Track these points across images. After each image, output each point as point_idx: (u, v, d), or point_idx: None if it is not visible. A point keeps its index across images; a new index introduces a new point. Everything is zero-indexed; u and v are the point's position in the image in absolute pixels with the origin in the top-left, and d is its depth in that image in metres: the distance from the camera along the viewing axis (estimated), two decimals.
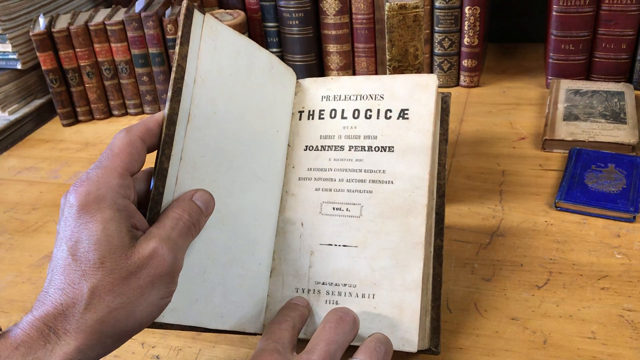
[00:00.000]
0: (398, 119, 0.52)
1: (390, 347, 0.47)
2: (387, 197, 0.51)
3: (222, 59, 0.47)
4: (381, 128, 0.53)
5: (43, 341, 0.36)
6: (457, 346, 0.51)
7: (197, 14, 0.45)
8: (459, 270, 0.59)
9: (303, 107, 0.55)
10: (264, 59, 0.51)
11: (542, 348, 0.50)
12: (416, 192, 0.51)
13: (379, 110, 0.53)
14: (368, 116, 0.53)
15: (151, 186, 0.43)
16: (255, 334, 0.51)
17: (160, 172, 0.42)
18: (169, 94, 0.43)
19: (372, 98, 0.53)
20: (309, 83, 0.55)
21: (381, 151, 0.52)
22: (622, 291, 0.55)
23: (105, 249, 0.37)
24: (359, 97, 0.54)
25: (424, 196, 0.50)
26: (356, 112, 0.53)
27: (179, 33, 0.44)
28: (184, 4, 0.45)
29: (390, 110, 0.53)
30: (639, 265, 0.58)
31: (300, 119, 0.55)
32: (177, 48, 0.44)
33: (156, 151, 0.43)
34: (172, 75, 0.44)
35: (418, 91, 0.52)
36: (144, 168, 0.44)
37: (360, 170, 0.52)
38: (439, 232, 0.51)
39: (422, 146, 0.51)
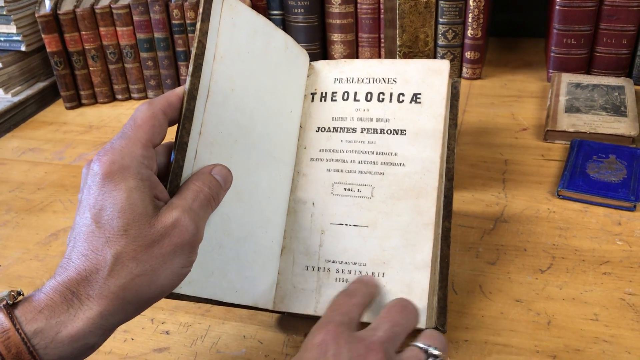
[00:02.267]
0: (410, 102, 0.53)
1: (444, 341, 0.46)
2: (399, 179, 0.52)
3: (240, 37, 0.48)
4: (393, 111, 0.53)
5: (66, 305, 0.36)
6: (463, 326, 0.52)
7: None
8: (463, 254, 0.61)
9: (315, 89, 0.55)
10: (280, 39, 0.52)
11: (546, 329, 0.52)
12: (427, 175, 0.52)
13: (391, 93, 0.54)
14: (381, 99, 0.54)
15: (171, 159, 0.43)
16: (265, 310, 0.52)
17: (180, 145, 0.43)
18: (190, 69, 0.44)
19: (384, 81, 0.54)
20: (322, 65, 0.56)
21: (393, 134, 0.53)
22: (624, 276, 0.56)
23: (130, 217, 0.38)
24: (371, 80, 0.54)
25: (434, 179, 0.51)
26: (369, 95, 0.54)
27: (200, 9, 0.45)
28: None
29: (403, 94, 0.53)
30: (639, 252, 0.59)
31: (312, 101, 0.55)
32: (198, 24, 0.45)
33: (176, 125, 0.44)
34: (193, 51, 0.44)
35: (431, 76, 0.53)
36: (164, 142, 0.45)
37: (372, 153, 0.53)
38: (447, 215, 0.52)
39: (434, 130, 0.52)
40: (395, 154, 0.53)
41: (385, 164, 0.52)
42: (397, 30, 0.61)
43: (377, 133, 0.53)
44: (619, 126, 0.76)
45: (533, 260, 0.59)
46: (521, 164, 0.75)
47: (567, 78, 0.88)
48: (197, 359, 0.51)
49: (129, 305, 0.38)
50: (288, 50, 0.53)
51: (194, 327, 0.55)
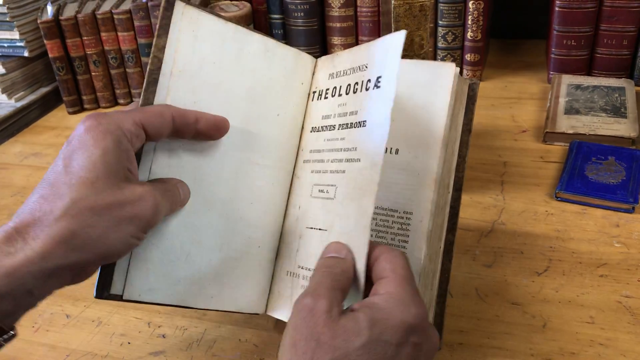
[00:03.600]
0: (373, 88, 0.45)
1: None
2: (354, 176, 0.45)
3: (204, 49, 0.47)
4: (360, 101, 0.46)
5: (7, 245, 0.36)
6: (458, 329, 0.52)
7: (178, 5, 0.46)
8: (460, 256, 0.60)
9: (316, 88, 0.53)
10: (256, 44, 0.51)
11: (542, 332, 0.51)
12: (373, 169, 0.42)
13: (362, 81, 0.47)
14: (355, 90, 0.48)
15: None
16: (256, 314, 0.51)
17: (136, 155, 0.44)
18: (144, 84, 0.45)
19: (359, 69, 0.48)
20: (321, 62, 0.54)
21: (356, 127, 0.46)
22: (621, 278, 0.56)
23: (101, 171, 0.37)
24: (352, 70, 0.49)
25: (377, 173, 0.42)
26: (348, 86, 0.49)
27: (158, 24, 0.45)
28: None
29: (370, 80, 0.46)
30: (637, 254, 0.59)
31: (312, 100, 0.53)
32: (154, 40, 0.45)
33: None
34: (148, 67, 0.45)
35: (391, 54, 0.44)
36: None
37: (340, 150, 0.47)
38: (451, 227, 0.49)
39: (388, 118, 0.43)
40: (355, 148, 0.45)
41: (347, 160, 0.46)
42: None
43: (347, 128, 0.47)
44: (618, 127, 0.76)
45: (530, 263, 0.59)
46: (520, 166, 0.74)
47: (567, 79, 0.88)
48: None
49: (71, 253, 0.36)
50: (269, 53, 0.51)
51: (190, 330, 0.55)
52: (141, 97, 0.45)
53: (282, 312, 0.49)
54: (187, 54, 0.46)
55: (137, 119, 0.41)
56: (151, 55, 0.45)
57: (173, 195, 0.43)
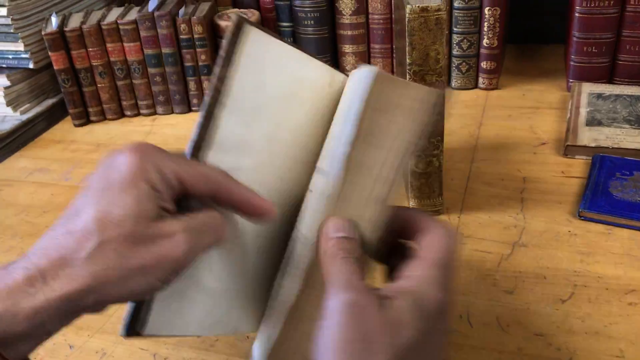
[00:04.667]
0: None
1: None
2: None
3: (261, 80, 0.43)
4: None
5: (28, 285, 0.34)
6: None
7: (245, 31, 0.41)
8: (480, 281, 0.58)
9: None
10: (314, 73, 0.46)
11: None
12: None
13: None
14: None
15: None
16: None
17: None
18: (201, 118, 0.41)
19: None
20: None
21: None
22: None
23: (133, 210, 0.35)
24: None
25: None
26: None
27: (222, 53, 0.41)
28: (234, 18, 0.41)
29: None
30: None
31: None
32: (217, 69, 0.41)
33: None
34: (208, 99, 0.41)
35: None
36: None
37: None
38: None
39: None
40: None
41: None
42: (407, 48, 0.58)
43: None
44: None
45: (553, 289, 0.56)
46: (540, 182, 0.71)
47: (587, 88, 0.85)
48: None
49: (92, 295, 0.35)
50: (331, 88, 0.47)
51: None
52: (196, 131, 0.41)
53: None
54: (243, 85, 0.42)
55: (180, 172, 0.38)
56: (212, 86, 0.41)
57: (213, 232, 0.39)
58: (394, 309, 0.34)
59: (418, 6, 0.56)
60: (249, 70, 0.42)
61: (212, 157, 0.42)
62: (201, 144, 0.41)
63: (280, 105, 0.44)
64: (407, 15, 0.56)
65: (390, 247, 0.42)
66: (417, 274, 0.37)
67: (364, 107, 0.39)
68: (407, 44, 0.58)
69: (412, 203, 0.67)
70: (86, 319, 0.43)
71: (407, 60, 0.58)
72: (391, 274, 0.41)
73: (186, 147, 0.42)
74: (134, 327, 0.42)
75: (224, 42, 0.41)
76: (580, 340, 0.51)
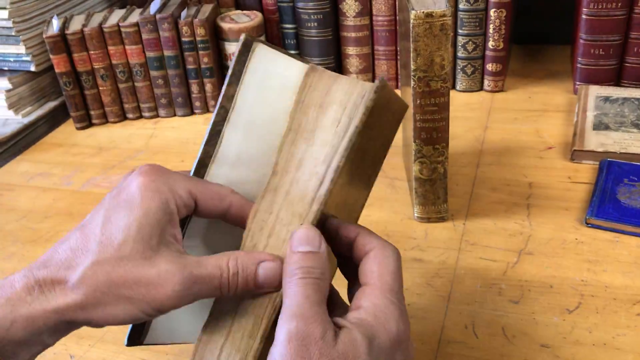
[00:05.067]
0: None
1: None
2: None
3: (265, 95, 0.43)
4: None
5: (27, 294, 0.35)
6: None
7: (253, 48, 0.41)
8: (485, 291, 0.57)
9: None
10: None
11: None
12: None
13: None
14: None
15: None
16: None
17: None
18: (207, 136, 0.41)
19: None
20: None
21: None
22: None
23: (134, 234, 0.35)
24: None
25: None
26: None
27: (230, 71, 0.41)
28: (243, 37, 0.41)
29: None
30: None
31: None
32: (224, 88, 0.41)
33: None
34: (213, 117, 0.41)
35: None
36: None
37: None
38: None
39: None
40: None
41: None
42: (412, 54, 0.57)
43: None
44: None
45: (560, 299, 0.55)
46: (547, 188, 0.70)
47: (595, 91, 0.84)
48: None
49: (82, 313, 0.35)
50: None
51: None
52: (201, 148, 0.41)
53: None
54: (247, 100, 0.42)
55: (193, 191, 0.38)
56: (219, 104, 0.41)
57: (214, 287, 0.37)
58: (346, 341, 0.33)
59: (423, 12, 0.55)
60: (253, 85, 0.42)
61: (215, 170, 0.42)
62: (207, 161, 0.41)
63: (284, 118, 0.43)
64: (411, 20, 0.55)
65: (344, 260, 0.41)
66: (370, 304, 0.35)
67: (295, 99, 0.40)
68: (411, 49, 0.57)
69: (416, 210, 0.66)
70: (87, 328, 0.42)
71: (412, 67, 0.57)
72: (350, 289, 0.40)
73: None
74: (137, 337, 0.42)
75: (233, 61, 0.41)
76: (587, 352, 0.50)
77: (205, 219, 0.42)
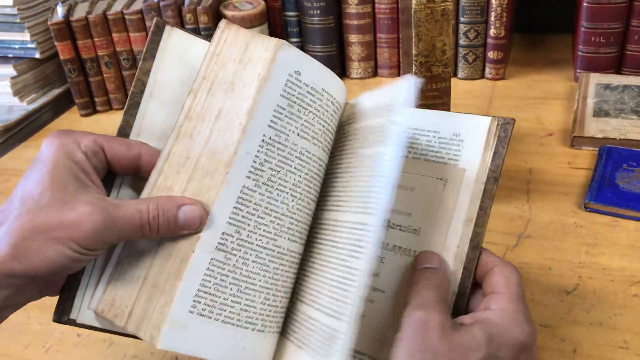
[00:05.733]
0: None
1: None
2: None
3: (187, 74, 0.46)
4: None
5: None
6: None
7: (167, 30, 0.45)
8: None
9: None
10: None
11: (572, 357, 0.49)
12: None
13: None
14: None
15: None
16: None
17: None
18: (125, 106, 0.44)
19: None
20: None
21: None
22: None
23: (48, 185, 0.38)
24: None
25: None
26: None
27: (145, 48, 0.45)
28: (155, 20, 0.45)
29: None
30: None
31: None
32: (140, 63, 0.45)
33: None
34: (131, 89, 0.44)
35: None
36: None
37: None
38: (462, 293, 0.43)
39: None
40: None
41: None
42: (413, 39, 0.57)
43: None
44: None
45: (558, 280, 0.56)
46: (547, 173, 0.71)
47: (595, 79, 0.84)
48: None
49: (17, 264, 0.37)
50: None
51: None
52: (122, 119, 0.44)
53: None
54: (170, 78, 0.45)
55: (98, 140, 0.41)
56: (135, 77, 0.45)
57: (130, 223, 0.39)
58: (466, 333, 0.37)
59: None
60: (174, 65, 0.45)
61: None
62: (127, 130, 0.44)
63: None
64: (413, 6, 0.56)
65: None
66: (498, 307, 0.39)
67: (209, 50, 0.44)
68: (413, 35, 0.57)
69: None
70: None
71: (414, 52, 0.58)
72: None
73: None
74: (65, 313, 0.43)
75: (147, 39, 0.45)
76: (584, 331, 0.51)
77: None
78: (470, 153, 0.44)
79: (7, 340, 0.57)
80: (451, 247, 0.43)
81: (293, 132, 0.42)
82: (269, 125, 0.41)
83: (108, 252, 0.42)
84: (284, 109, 0.42)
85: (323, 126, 0.44)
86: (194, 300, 0.39)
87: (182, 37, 0.46)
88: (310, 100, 0.43)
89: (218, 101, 0.42)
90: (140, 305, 0.39)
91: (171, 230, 0.40)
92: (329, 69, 0.45)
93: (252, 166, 0.41)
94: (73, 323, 0.43)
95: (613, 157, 0.69)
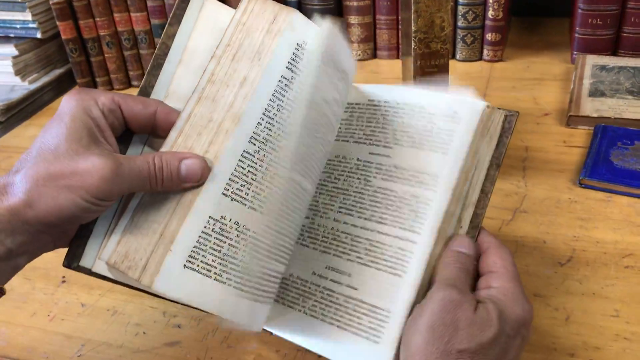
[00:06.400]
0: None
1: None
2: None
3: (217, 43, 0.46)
4: None
5: None
6: None
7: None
8: None
9: None
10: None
11: (565, 325, 0.50)
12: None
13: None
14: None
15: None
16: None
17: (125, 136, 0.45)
18: (149, 67, 0.46)
19: None
20: None
21: None
22: None
23: (64, 137, 0.40)
24: None
25: None
26: None
27: (172, 13, 0.46)
28: None
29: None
30: None
31: None
32: (166, 27, 0.46)
33: None
34: (155, 51, 0.46)
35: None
36: None
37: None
38: None
39: None
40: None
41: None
42: (412, 15, 0.58)
43: None
44: None
45: (552, 253, 0.57)
46: (542, 151, 0.72)
47: (591, 60, 0.85)
48: (208, 354, 0.51)
49: (30, 210, 0.38)
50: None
51: (205, 321, 0.54)
52: (144, 79, 0.45)
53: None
54: (201, 45, 0.46)
55: (116, 97, 0.43)
56: (160, 40, 0.46)
57: (139, 174, 0.41)
58: (483, 309, 0.39)
59: None
60: (206, 33, 0.46)
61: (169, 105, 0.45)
62: (148, 90, 0.45)
63: None
64: None
65: None
66: (499, 285, 0.42)
67: (233, 19, 0.45)
68: (412, 11, 0.58)
69: None
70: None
71: (413, 28, 0.59)
72: None
73: None
74: (76, 260, 0.44)
75: (175, 5, 0.46)
76: (577, 301, 0.52)
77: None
78: (464, 137, 0.46)
79: (13, 309, 0.58)
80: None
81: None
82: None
83: (122, 205, 0.43)
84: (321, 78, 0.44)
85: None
86: (201, 255, 0.41)
87: (216, 7, 0.47)
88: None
89: (244, 68, 0.43)
90: (155, 259, 0.40)
91: (174, 182, 0.41)
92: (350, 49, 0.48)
93: (264, 132, 0.43)
94: (84, 270, 0.44)
95: (608, 136, 0.70)
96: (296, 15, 0.45)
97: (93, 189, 0.38)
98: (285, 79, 0.44)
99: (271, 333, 0.46)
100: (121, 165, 0.39)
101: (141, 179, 0.40)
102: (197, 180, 0.42)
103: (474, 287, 0.43)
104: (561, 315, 0.51)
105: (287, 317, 0.46)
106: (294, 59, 0.45)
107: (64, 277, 0.61)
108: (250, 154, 0.43)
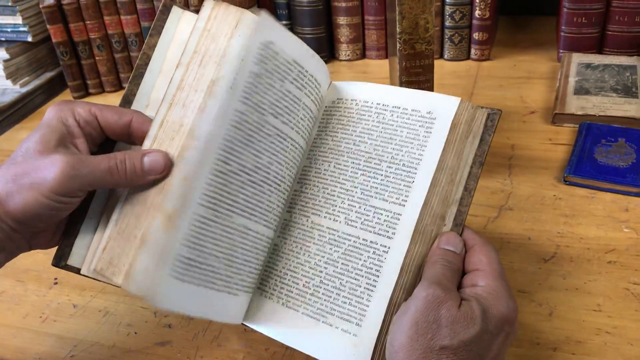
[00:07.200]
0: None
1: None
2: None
3: None
4: None
5: None
6: None
7: (174, 10, 0.48)
8: None
9: None
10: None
11: (548, 320, 0.51)
12: None
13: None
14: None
15: None
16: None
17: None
18: (130, 77, 0.48)
19: None
20: None
21: None
22: (629, 265, 0.55)
23: (37, 142, 0.42)
24: None
25: None
26: None
27: (152, 24, 0.48)
28: (163, 1, 0.48)
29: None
30: None
31: None
32: (147, 38, 0.48)
33: None
34: (137, 61, 0.48)
35: None
36: None
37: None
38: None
39: None
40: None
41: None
42: (397, 16, 0.59)
43: None
44: (629, 108, 0.74)
45: (537, 249, 0.58)
46: (528, 149, 0.73)
47: (577, 58, 0.86)
48: (199, 353, 0.52)
49: (2, 211, 0.41)
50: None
51: (195, 320, 0.55)
52: (126, 88, 0.47)
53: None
54: (178, 56, 0.47)
55: (93, 108, 0.45)
56: (142, 51, 0.48)
57: (121, 163, 0.43)
58: (467, 307, 0.40)
59: None
60: (180, 43, 0.48)
61: (149, 113, 0.47)
62: (130, 98, 0.47)
63: None
64: None
65: None
66: (485, 284, 0.42)
67: (197, 26, 0.46)
68: (397, 12, 0.59)
69: None
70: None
71: (397, 29, 0.60)
72: None
73: None
74: (63, 259, 0.45)
75: (155, 17, 0.48)
76: (560, 296, 0.53)
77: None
78: (440, 134, 0.47)
79: (5, 311, 0.59)
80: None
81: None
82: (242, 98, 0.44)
83: (108, 207, 0.45)
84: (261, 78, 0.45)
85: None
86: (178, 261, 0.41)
87: (193, 18, 0.48)
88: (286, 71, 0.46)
89: (210, 73, 0.44)
90: (138, 264, 0.41)
91: (138, 175, 0.43)
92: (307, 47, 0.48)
93: (237, 135, 0.43)
94: (72, 269, 0.45)
95: (592, 133, 0.71)
96: (260, 17, 0.45)
97: (54, 183, 0.40)
98: (254, 76, 0.45)
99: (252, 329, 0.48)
100: (80, 161, 0.41)
101: (101, 172, 0.42)
102: (160, 172, 0.43)
103: (459, 285, 0.44)
104: (545, 310, 0.52)
105: (264, 310, 0.47)
106: (260, 59, 0.45)
107: (56, 279, 0.62)
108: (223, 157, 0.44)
